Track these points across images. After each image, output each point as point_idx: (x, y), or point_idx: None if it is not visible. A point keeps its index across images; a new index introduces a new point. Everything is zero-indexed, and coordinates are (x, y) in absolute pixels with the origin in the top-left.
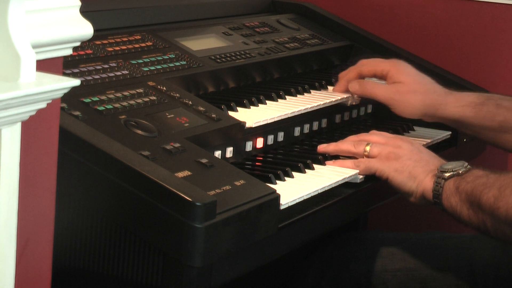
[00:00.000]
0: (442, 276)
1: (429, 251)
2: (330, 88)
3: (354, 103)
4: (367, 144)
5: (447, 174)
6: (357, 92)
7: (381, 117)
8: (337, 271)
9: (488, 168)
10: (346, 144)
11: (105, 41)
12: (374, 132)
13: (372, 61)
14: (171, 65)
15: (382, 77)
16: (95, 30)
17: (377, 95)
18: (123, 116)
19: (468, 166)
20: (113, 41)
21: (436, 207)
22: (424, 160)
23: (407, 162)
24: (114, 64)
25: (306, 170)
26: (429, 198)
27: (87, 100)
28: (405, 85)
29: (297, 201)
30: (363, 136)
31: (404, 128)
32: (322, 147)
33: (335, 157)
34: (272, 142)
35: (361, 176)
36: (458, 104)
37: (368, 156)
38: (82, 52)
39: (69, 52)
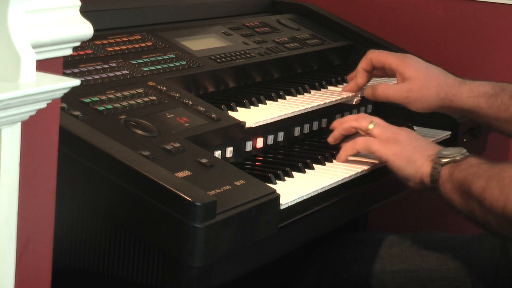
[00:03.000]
0: (441, 278)
1: (428, 252)
2: (330, 88)
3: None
4: (371, 122)
5: (444, 160)
6: (370, 98)
7: (381, 117)
8: (336, 272)
9: (485, 158)
10: (347, 122)
11: (105, 41)
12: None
13: (382, 53)
14: (171, 65)
15: (390, 70)
16: (95, 30)
17: (390, 97)
18: (123, 116)
19: (467, 153)
20: (113, 41)
21: (434, 192)
22: (423, 146)
23: (406, 147)
24: (114, 64)
25: (306, 170)
26: (427, 183)
27: (87, 100)
28: (416, 82)
29: (297, 201)
30: (365, 114)
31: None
32: (330, 138)
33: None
34: (272, 142)
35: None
36: (472, 94)
37: (369, 135)
38: (82, 52)
39: (69, 52)
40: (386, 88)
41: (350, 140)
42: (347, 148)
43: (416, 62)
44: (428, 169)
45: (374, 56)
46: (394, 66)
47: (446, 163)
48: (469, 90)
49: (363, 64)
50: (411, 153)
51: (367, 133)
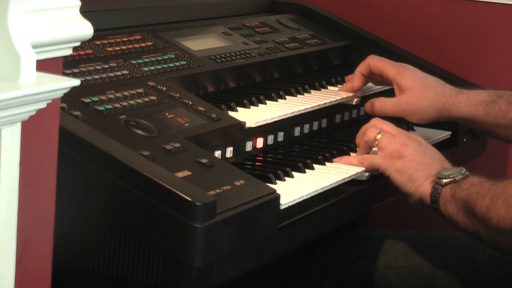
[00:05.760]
0: (444, 274)
1: (431, 249)
2: (330, 88)
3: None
4: (379, 132)
5: (444, 181)
6: (369, 113)
7: (381, 117)
8: (340, 268)
9: (485, 175)
10: (358, 137)
11: (105, 41)
12: (387, 122)
13: (381, 60)
14: (171, 65)
15: (387, 80)
16: (95, 30)
17: (387, 112)
18: (123, 116)
19: (466, 173)
20: (113, 41)
21: (434, 211)
22: (426, 163)
23: (409, 164)
24: (114, 64)
25: (306, 170)
26: (427, 203)
27: (87, 100)
28: (413, 94)
29: (297, 201)
30: (377, 121)
31: (404, 128)
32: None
33: (337, 156)
34: (272, 142)
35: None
36: (470, 103)
37: (377, 145)
38: (82, 52)
39: (69, 52)
40: (382, 104)
41: (357, 156)
42: (351, 161)
43: (413, 73)
44: (428, 189)
45: (373, 62)
46: (391, 77)
47: (447, 183)
48: (466, 99)
49: (361, 68)
50: (412, 170)
51: (375, 144)
